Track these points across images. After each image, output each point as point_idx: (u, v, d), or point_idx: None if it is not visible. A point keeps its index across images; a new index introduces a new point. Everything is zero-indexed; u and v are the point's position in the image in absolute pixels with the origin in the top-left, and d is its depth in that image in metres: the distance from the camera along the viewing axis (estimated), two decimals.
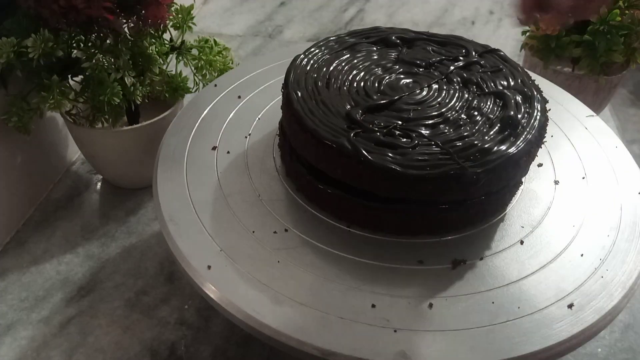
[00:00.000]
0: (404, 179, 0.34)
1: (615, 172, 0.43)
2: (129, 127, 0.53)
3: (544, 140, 0.39)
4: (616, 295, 0.34)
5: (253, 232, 0.37)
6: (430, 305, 0.33)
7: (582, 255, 0.36)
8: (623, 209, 0.40)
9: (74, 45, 0.49)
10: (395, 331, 0.32)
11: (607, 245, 0.37)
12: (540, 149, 0.39)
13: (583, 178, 0.42)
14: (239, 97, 0.49)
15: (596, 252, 0.37)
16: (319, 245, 0.37)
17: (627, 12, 0.57)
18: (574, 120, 0.48)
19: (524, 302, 0.33)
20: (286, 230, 0.38)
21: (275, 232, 0.38)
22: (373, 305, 0.33)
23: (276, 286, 0.34)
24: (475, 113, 0.39)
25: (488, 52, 0.45)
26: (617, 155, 0.44)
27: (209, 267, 0.35)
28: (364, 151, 0.35)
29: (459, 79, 0.41)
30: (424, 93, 0.41)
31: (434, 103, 0.39)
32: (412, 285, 0.35)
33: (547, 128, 0.39)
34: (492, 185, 0.36)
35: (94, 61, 0.49)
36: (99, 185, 0.61)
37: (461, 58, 0.44)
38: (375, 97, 0.39)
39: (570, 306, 0.33)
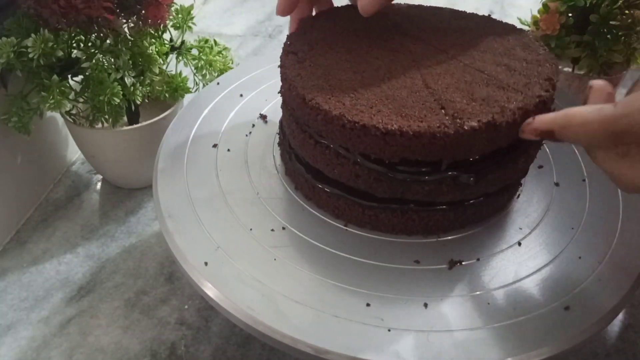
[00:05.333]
0: (399, 180, 0.34)
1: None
2: (129, 127, 0.53)
3: (544, 141, 0.39)
4: (613, 298, 0.34)
5: (250, 229, 0.38)
6: (426, 305, 0.33)
7: (579, 257, 0.36)
8: (623, 211, 0.40)
9: (74, 45, 0.49)
10: (389, 330, 0.32)
11: (605, 248, 0.37)
12: (540, 151, 0.39)
13: (583, 180, 0.42)
14: (241, 95, 0.49)
15: (594, 254, 0.37)
16: (316, 244, 0.37)
17: (627, 12, 0.57)
18: None
19: (520, 304, 0.33)
20: (283, 228, 0.38)
21: (272, 230, 0.38)
22: (368, 304, 0.33)
23: (272, 283, 0.34)
24: None
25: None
26: None
27: (206, 263, 0.35)
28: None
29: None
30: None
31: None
32: (408, 284, 0.35)
33: None
34: (489, 187, 0.36)
35: (94, 61, 0.49)
36: (99, 185, 0.61)
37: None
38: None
39: (566, 309, 0.33)
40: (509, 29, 0.43)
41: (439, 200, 0.36)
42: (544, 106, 0.35)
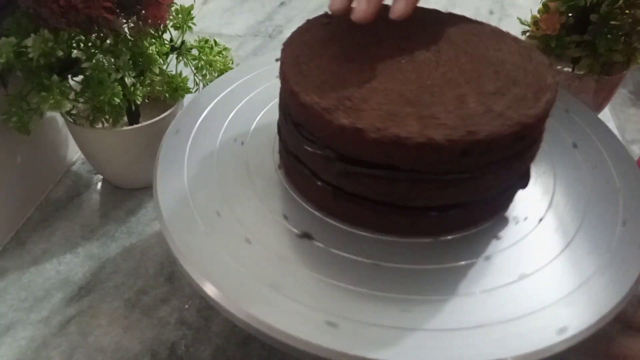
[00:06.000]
0: (384, 179, 0.34)
1: (616, 177, 0.43)
2: (129, 127, 0.53)
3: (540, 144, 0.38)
4: (604, 308, 0.33)
5: (250, 229, 0.38)
6: (424, 305, 0.33)
7: (578, 259, 0.36)
8: (622, 215, 0.39)
9: (74, 45, 0.49)
10: (389, 329, 0.32)
11: (601, 254, 0.37)
12: (540, 153, 0.39)
13: (584, 185, 0.42)
14: (242, 95, 0.49)
15: (594, 255, 0.36)
16: (317, 244, 0.37)
17: (627, 12, 0.57)
18: (575, 122, 0.48)
19: (519, 303, 0.33)
20: (283, 227, 0.38)
21: (272, 229, 0.38)
22: (367, 304, 0.33)
23: (272, 283, 0.34)
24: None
25: None
26: (620, 159, 0.44)
27: (207, 264, 0.35)
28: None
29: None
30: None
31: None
32: (408, 284, 0.35)
33: (546, 131, 0.38)
34: (489, 186, 0.36)
35: (94, 61, 0.49)
36: (99, 185, 0.61)
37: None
38: None
39: (565, 308, 0.33)
40: (514, 47, 0.40)
41: (431, 200, 0.36)
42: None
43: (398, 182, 0.34)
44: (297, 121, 0.37)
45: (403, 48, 0.40)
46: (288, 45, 0.40)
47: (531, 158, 0.38)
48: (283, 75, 0.37)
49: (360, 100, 0.34)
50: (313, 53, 0.39)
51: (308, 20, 0.43)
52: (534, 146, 0.38)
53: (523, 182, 0.41)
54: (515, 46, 0.40)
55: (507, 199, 0.40)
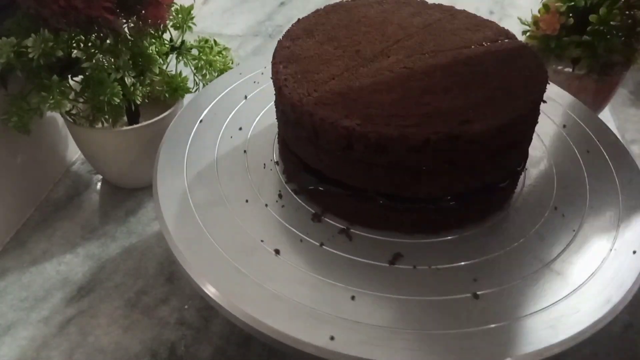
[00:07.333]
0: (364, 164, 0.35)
1: (616, 175, 0.43)
2: (129, 127, 0.53)
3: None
4: (602, 310, 0.33)
5: (250, 229, 0.38)
6: (424, 305, 0.33)
7: (572, 266, 0.36)
8: (622, 216, 0.39)
9: (74, 45, 0.49)
10: (388, 329, 0.32)
11: (605, 249, 0.37)
12: (540, 153, 0.39)
13: (583, 185, 0.42)
14: (242, 96, 0.49)
15: (587, 264, 0.36)
16: (314, 242, 0.37)
17: (627, 12, 0.57)
18: (574, 121, 0.48)
19: (518, 306, 0.33)
20: (282, 226, 0.38)
21: (271, 229, 0.38)
22: (353, 298, 0.33)
23: (271, 282, 0.34)
24: None
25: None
26: (619, 159, 0.44)
27: (208, 265, 0.35)
28: None
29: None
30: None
31: None
32: (410, 285, 0.35)
33: (543, 130, 0.38)
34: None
35: (94, 61, 0.49)
36: (99, 185, 0.61)
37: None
38: None
39: (562, 309, 0.33)
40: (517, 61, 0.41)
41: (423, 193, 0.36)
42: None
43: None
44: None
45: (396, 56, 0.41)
46: (284, 39, 0.41)
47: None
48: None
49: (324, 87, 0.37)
50: (306, 48, 0.40)
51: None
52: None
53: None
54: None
55: (504, 196, 0.40)
